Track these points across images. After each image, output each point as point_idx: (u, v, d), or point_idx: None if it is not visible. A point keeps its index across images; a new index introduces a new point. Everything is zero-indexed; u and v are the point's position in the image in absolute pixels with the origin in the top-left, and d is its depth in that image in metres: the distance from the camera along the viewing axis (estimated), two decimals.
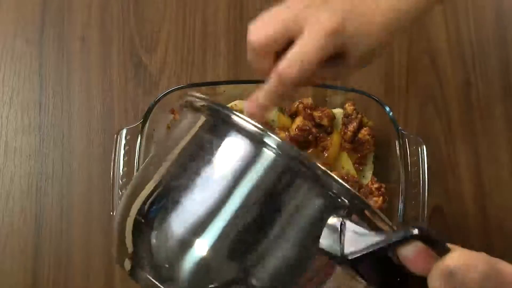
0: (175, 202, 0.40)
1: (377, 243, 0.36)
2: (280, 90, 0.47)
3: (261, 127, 0.39)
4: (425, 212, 0.65)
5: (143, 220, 0.41)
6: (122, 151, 0.67)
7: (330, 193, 0.38)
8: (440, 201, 0.74)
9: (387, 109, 0.68)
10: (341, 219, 0.38)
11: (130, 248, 0.42)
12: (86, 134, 0.77)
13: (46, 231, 0.73)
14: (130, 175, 0.67)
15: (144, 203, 0.41)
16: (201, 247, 0.38)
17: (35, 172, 0.75)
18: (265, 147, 0.39)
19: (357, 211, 0.38)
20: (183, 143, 0.43)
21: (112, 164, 0.67)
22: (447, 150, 0.76)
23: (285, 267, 0.38)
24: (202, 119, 0.43)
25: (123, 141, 0.68)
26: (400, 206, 0.64)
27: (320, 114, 0.70)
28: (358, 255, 0.37)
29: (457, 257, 0.36)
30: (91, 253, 0.73)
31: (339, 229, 0.37)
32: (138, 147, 0.67)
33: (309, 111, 0.70)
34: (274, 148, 0.38)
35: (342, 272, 0.39)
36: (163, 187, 0.42)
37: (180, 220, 0.39)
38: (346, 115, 0.71)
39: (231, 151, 0.40)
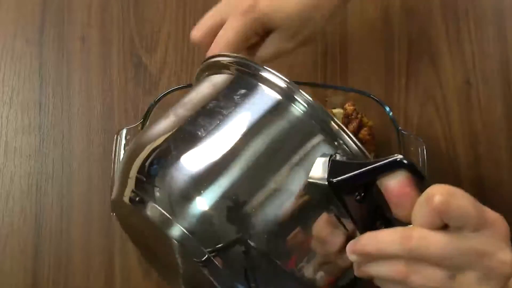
0: (181, 157, 0.41)
1: (362, 169, 0.37)
2: None
3: (289, 80, 0.42)
4: None
5: (144, 179, 0.42)
6: (122, 151, 0.67)
7: (332, 138, 0.41)
8: None
9: (387, 109, 0.68)
10: (331, 154, 0.39)
11: (132, 184, 0.43)
12: (86, 134, 0.77)
13: (46, 231, 0.73)
14: None
15: (146, 160, 0.43)
16: (202, 204, 0.39)
17: (35, 172, 0.75)
18: (292, 100, 0.41)
19: (353, 154, 0.40)
20: (204, 99, 0.45)
21: (112, 164, 0.67)
22: (447, 150, 0.76)
23: (279, 223, 0.40)
24: (229, 76, 0.45)
25: (123, 141, 0.68)
26: None
27: None
28: (343, 177, 0.38)
29: (441, 187, 0.35)
30: (91, 253, 0.73)
31: (328, 161, 0.39)
32: None
33: None
34: (301, 103, 0.41)
35: (329, 219, 0.40)
36: (170, 140, 0.43)
37: (186, 173, 0.40)
38: (346, 115, 0.71)
39: (253, 103, 0.42)
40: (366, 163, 0.38)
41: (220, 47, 0.53)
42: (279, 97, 0.42)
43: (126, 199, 0.44)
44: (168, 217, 0.40)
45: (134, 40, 0.80)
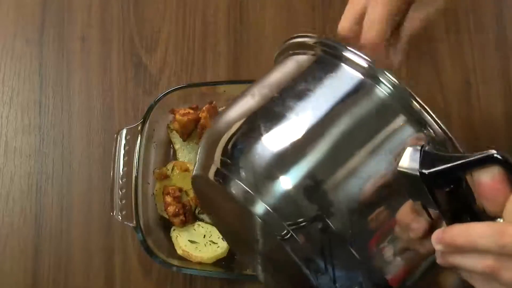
0: (270, 134, 0.41)
1: (455, 162, 0.37)
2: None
3: (373, 61, 0.42)
4: None
5: (229, 160, 0.43)
6: (122, 151, 0.67)
7: (422, 126, 0.41)
8: None
9: None
10: (422, 143, 0.40)
11: (218, 158, 0.43)
12: (86, 134, 0.77)
13: (46, 231, 0.73)
14: (130, 175, 0.67)
15: (229, 140, 0.43)
16: (289, 180, 0.40)
17: (35, 172, 0.75)
18: (377, 82, 0.41)
19: (441, 143, 0.41)
20: (289, 78, 0.45)
21: (112, 164, 0.67)
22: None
23: (365, 201, 0.40)
24: (312, 56, 0.45)
25: (123, 141, 0.68)
26: None
27: None
28: (436, 169, 0.37)
29: None
30: (91, 253, 0.73)
31: (420, 151, 0.39)
32: (138, 147, 0.67)
33: None
34: (386, 85, 0.41)
35: (413, 208, 0.40)
36: (254, 118, 0.44)
37: (274, 150, 0.41)
38: None
39: (339, 84, 0.42)
40: (459, 156, 0.38)
41: (373, 27, 0.52)
42: (362, 77, 0.42)
43: (211, 175, 0.44)
44: (252, 195, 0.41)
45: (134, 40, 0.80)
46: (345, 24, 0.54)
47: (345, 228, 0.40)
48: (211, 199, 0.52)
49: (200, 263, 0.68)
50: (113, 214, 0.66)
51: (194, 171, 0.48)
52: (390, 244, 0.41)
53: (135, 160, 0.67)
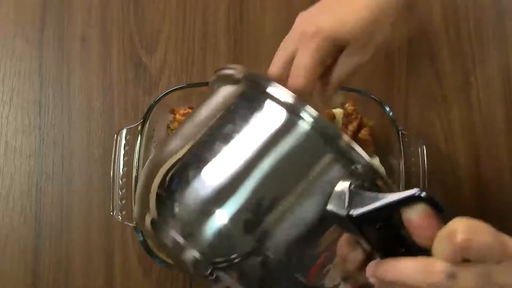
0: (200, 172, 0.41)
1: (381, 202, 0.37)
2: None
3: (298, 98, 0.41)
4: None
5: (164, 194, 0.43)
6: (122, 151, 0.67)
7: (350, 162, 0.40)
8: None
9: (387, 109, 0.68)
10: (349, 182, 0.39)
11: (154, 214, 0.43)
12: (86, 134, 0.77)
13: (46, 231, 0.73)
14: (130, 175, 0.67)
15: (166, 175, 0.43)
16: (221, 217, 0.40)
17: (35, 172, 0.75)
18: (300, 118, 0.41)
19: (370, 179, 0.40)
20: (215, 114, 0.45)
21: (112, 164, 0.67)
22: (447, 150, 0.76)
23: (299, 236, 0.40)
24: (240, 88, 0.45)
25: (123, 141, 0.68)
26: None
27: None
28: (363, 211, 0.38)
29: (463, 223, 0.35)
30: (91, 253, 0.73)
31: (347, 192, 0.39)
32: (138, 147, 0.67)
33: None
34: (308, 121, 0.41)
35: (349, 239, 0.40)
36: (188, 157, 0.43)
37: (204, 189, 0.41)
38: (346, 115, 0.71)
39: (266, 120, 0.42)
40: (385, 196, 0.38)
41: (299, 74, 0.53)
42: (288, 114, 0.41)
43: (147, 224, 0.44)
44: (181, 242, 0.41)
45: (134, 40, 0.80)
46: (273, 68, 0.56)
47: (285, 258, 0.40)
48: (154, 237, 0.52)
49: None
50: (113, 214, 0.66)
51: (134, 215, 0.48)
52: (333, 272, 0.42)
53: (135, 160, 0.67)
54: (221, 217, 0.40)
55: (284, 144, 0.41)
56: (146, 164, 0.48)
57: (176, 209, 0.41)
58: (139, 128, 0.67)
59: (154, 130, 0.70)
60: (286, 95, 0.41)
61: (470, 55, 0.79)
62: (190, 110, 0.71)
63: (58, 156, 0.76)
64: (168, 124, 0.73)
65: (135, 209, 0.47)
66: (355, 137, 0.70)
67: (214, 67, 0.79)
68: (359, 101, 0.71)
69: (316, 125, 0.40)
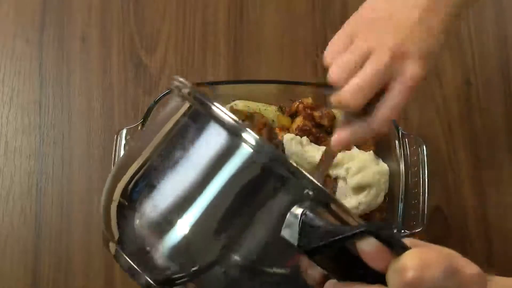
0: (154, 185, 0.42)
1: (328, 236, 0.37)
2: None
3: (238, 120, 0.40)
4: (425, 212, 0.65)
5: (126, 203, 0.43)
6: (122, 151, 0.67)
7: (299, 186, 0.39)
8: (440, 201, 0.74)
9: None
10: (302, 209, 0.39)
11: (115, 232, 0.44)
12: (86, 134, 0.77)
13: (46, 231, 0.73)
14: None
15: (127, 185, 0.43)
16: (178, 231, 0.40)
17: (35, 172, 0.75)
18: (242, 140, 0.40)
19: (322, 204, 0.39)
20: (166, 127, 0.45)
21: (112, 164, 0.67)
22: (447, 150, 0.76)
23: (257, 253, 0.40)
24: (186, 105, 0.44)
25: (123, 141, 0.68)
26: (400, 206, 0.64)
27: (320, 114, 0.70)
28: (312, 246, 0.38)
29: (414, 255, 0.36)
30: (91, 253, 0.73)
31: (299, 220, 0.39)
32: None
33: (309, 111, 0.70)
34: (250, 143, 0.40)
35: (306, 260, 0.40)
36: (145, 169, 0.43)
37: (158, 203, 0.41)
38: None
39: (209, 141, 0.41)
40: (337, 228, 0.38)
41: (362, 93, 0.50)
42: (229, 136, 0.41)
43: (112, 250, 0.46)
44: (135, 268, 0.42)
45: (134, 40, 0.80)
46: (337, 72, 0.52)
47: (244, 271, 0.40)
48: None
49: None
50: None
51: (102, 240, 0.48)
52: (293, 283, 0.42)
53: None
54: (175, 236, 0.40)
55: (230, 168, 0.40)
56: (111, 171, 0.48)
57: (136, 221, 0.42)
58: (139, 128, 0.67)
59: None
60: (229, 118, 0.40)
61: (470, 55, 0.79)
62: None
63: (58, 156, 0.76)
64: None
65: (102, 231, 0.47)
66: None
67: (214, 67, 0.79)
68: None
69: (261, 149, 0.39)
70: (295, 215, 0.39)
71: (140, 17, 0.81)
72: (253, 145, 0.39)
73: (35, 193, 0.75)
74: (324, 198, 0.39)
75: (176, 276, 0.41)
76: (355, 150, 0.69)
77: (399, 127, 0.67)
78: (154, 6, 0.81)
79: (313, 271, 0.41)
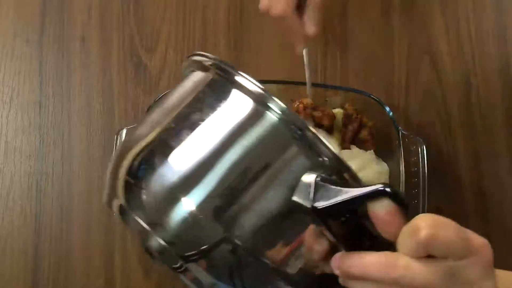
0: (167, 159, 0.41)
1: (346, 196, 0.37)
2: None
3: (264, 88, 0.41)
4: (425, 212, 0.65)
5: (132, 180, 0.43)
6: None
7: (317, 154, 0.40)
8: (440, 201, 0.74)
9: (387, 109, 0.68)
10: (316, 175, 0.39)
11: (122, 200, 0.43)
12: (86, 134, 0.77)
13: (46, 231, 0.73)
14: None
15: (133, 161, 0.43)
16: (189, 204, 0.40)
17: (35, 172, 0.75)
18: (267, 108, 0.41)
19: (337, 172, 0.40)
20: (184, 101, 0.45)
21: None
22: (447, 150, 0.76)
23: (266, 224, 0.40)
24: (208, 77, 0.45)
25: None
26: None
27: (320, 114, 0.70)
28: (327, 204, 0.38)
29: (427, 217, 0.36)
30: (91, 253, 0.73)
31: (313, 184, 0.39)
32: None
33: (309, 111, 0.70)
34: (275, 111, 0.40)
35: (315, 230, 0.40)
36: (155, 144, 0.43)
37: (171, 176, 0.41)
38: (346, 115, 0.71)
39: (233, 109, 0.42)
40: (350, 190, 0.38)
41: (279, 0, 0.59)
42: (254, 104, 0.41)
43: (114, 208, 0.44)
44: (147, 229, 0.41)
45: (134, 40, 0.80)
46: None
47: (253, 247, 0.40)
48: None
49: None
50: (113, 214, 0.66)
51: (103, 200, 0.48)
52: (300, 261, 0.42)
53: None
54: (188, 205, 0.40)
55: (251, 134, 0.41)
56: (117, 148, 0.48)
57: (144, 196, 0.41)
58: None
59: None
60: (254, 86, 0.41)
61: (470, 55, 0.79)
62: None
63: (58, 156, 0.76)
64: None
65: (104, 193, 0.47)
66: (355, 137, 0.70)
67: None
68: (359, 101, 0.71)
69: (284, 116, 0.40)
70: (309, 179, 0.39)
71: (140, 17, 0.81)
72: (279, 112, 0.40)
73: (35, 193, 0.75)
74: (339, 166, 0.40)
75: (186, 253, 0.40)
76: (355, 149, 0.69)
77: (399, 127, 0.67)
78: (154, 6, 0.81)
79: (320, 246, 0.41)
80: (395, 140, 0.67)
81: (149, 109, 0.68)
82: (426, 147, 0.66)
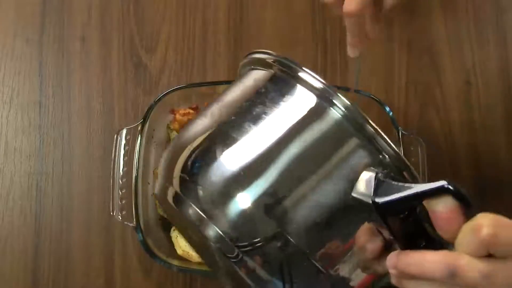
0: (226, 152, 0.42)
1: (407, 192, 0.37)
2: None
3: (328, 84, 0.41)
4: None
5: (187, 178, 0.43)
6: (122, 151, 0.67)
7: (378, 151, 0.40)
8: None
9: (387, 109, 0.68)
10: (376, 171, 0.39)
11: (177, 189, 0.43)
12: (86, 134, 0.77)
13: (46, 231, 0.73)
14: (130, 175, 0.67)
15: (191, 154, 0.43)
16: (246, 199, 0.40)
17: (35, 172, 0.75)
18: (331, 104, 0.41)
19: (396, 169, 0.40)
20: (245, 97, 0.45)
21: (112, 164, 0.67)
22: (447, 150, 0.76)
23: (321, 222, 0.40)
24: (270, 73, 0.45)
25: (123, 141, 0.68)
26: None
27: None
28: (388, 199, 0.38)
29: (489, 216, 0.35)
30: (91, 253, 0.73)
31: (374, 179, 0.39)
32: (138, 147, 0.67)
33: None
34: (339, 107, 0.41)
35: (370, 227, 0.40)
36: (214, 138, 0.44)
37: (231, 169, 0.41)
38: None
39: (296, 105, 0.42)
40: (412, 186, 0.38)
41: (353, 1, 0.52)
42: (317, 99, 0.42)
43: (169, 198, 0.44)
44: (205, 218, 0.41)
45: (134, 40, 0.80)
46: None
47: (304, 245, 0.40)
48: (176, 215, 0.52)
49: (200, 263, 0.68)
50: (113, 214, 0.66)
51: (156, 191, 0.48)
52: (351, 261, 0.42)
53: (135, 160, 0.67)
54: (244, 200, 0.40)
55: (313, 129, 0.41)
56: (173, 141, 0.48)
57: (200, 192, 0.42)
58: (139, 128, 0.67)
59: (154, 130, 0.70)
60: (317, 81, 0.42)
61: (470, 55, 0.79)
62: (190, 110, 0.71)
63: (58, 156, 0.76)
64: (168, 124, 0.73)
65: (158, 183, 0.47)
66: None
67: (214, 67, 0.79)
68: (359, 101, 0.71)
69: (347, 112, 0.41)
70: (369, 175, 0.39)
71: (140, 17, 0.81)
72: (342, 108, 0.41)
73: (35, 193, 0.75)
74: (399, 163, 0.40)
75: (241, 244, 0.40)
76: None
77: (399, 127, 0.67)
78: (154, 6, 0.81)
79: (374, 244, 0.40)
80: (395, 140, 0.67)
81: (149, 108, 0.68)
82: (426, 147, 0.66)
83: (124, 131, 0.68)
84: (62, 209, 0.74)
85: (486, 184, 0.75)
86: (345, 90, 0.72)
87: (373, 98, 0.69)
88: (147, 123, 0.68)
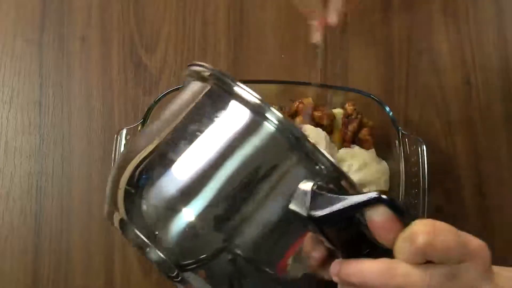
0: (166, 170, 0.42)
1: (340, 204, 0.38)
2: None
3: (262, 99, 0.41)
4: (425, 212, 0.65)
5: (133, 190, 0.43)
6: (122, 151, 0.67)
7: (314, 163, 0.40)
8: (440, 201, 0.74)
9: (387, 109, 0.68)
10: (313, 183, 0.39)
11: (122, 213, 0.43)
12: (86, 134, 0.77)
13: (46, 231, 0.73)
14: None
15: (134, 171, 0.43)
16: (189, 214, 0.40)
17: (35, 172, 0.75)
18: (264, 118, 0.41)
19: (334, 180, 0.40)
20: (182, 111, 0.45)
21: (112, 164, 0.67)
22: (447, 150, 0.76)
23: (265, 234, 0.40)
24: (206, 87, 0.45)
25: (123, 141, 0.68)
26: None
27: (320, 114, 0.70)
28: (323, 213, 0.38)
29: (425, 222, 0.36)
30: (91, 253, 0.73)
31: (309, 192, 0.39)
32: None
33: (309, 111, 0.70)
34: (273, 121, 0.41)
35: (312, 237, 0.40)
36: (155, 155, 0.44)
37: (171, 187, 0.41)
38: (346, 115, 0.71)
39: (230, 120, 0.42)
40: (346, 197, 0.38)
41: None
42: (252, 114, 0.42)
43: (115, 222, 0.45)
44: (146, 242, 0.41)
45: (134, 40, 0.80)
46: None
47: (252, 256, 0.40)
48: None
49: None
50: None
51: (104, 213, 0.48)
52: (299, 266, 0.42)
53: None
54: (187, 215, 0.40)
55: (249, 144, 0.41)
56: (118, 158, 0.48)
57: (143, 207, 0.42)
58: (139, 128, 0.67)
59: None
60: (252, 96, 0.41)
61: (470, 55, 0.79)
62: None
63: (58, 156, 0.76)
64: None
65: (105, 206, 0.47)
66: (355, 137, 0.70)
67: (214, 67, 0.79)
68: (359, 101, 0.71)
69: (281, 126, 0.41)
70: (305, 187, 0.39)
71: (140, 17, 0.81)
72: (276, 122, 0.40)
73: (35, 193, 0.75)
74: (336, 174, 0.40)
75: (185, 262, 0.41)
76: (357, 148, 0.69)
77: (399, 127, 0.67)
78: (154, 6, 0.81)
79: (318, 253, 0.41)
80: (395, 140, 0.67)
81: (149, 108, 0.68)
82: (426, 147, 0.66)
83: (124, 131, 0.68)
84: (62, 209, 0.74)
85: (486, 184, 0.75)
86: (347, 90, 0.72)
87: (373, 98, 0.69)
88: (147, 123, 0.68)
